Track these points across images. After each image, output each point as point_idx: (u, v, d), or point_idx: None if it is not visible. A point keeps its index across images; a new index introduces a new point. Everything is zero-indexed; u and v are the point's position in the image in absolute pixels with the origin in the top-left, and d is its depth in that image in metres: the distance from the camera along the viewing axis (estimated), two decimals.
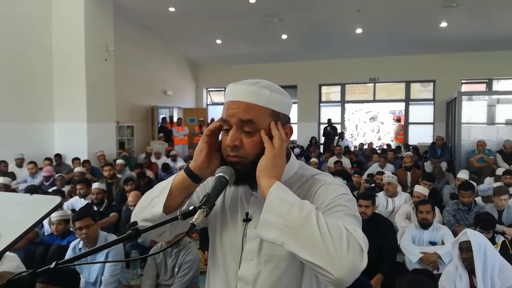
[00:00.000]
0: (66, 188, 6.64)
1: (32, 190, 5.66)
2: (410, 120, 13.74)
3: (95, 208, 5.22)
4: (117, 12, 9.93)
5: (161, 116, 13.30)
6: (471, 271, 2.87)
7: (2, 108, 8.21)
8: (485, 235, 3.63)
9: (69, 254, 3.51)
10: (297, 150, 11.01)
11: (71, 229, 4.37)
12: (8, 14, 8.30)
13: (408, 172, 7.28)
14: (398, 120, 14.08)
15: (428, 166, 8.78)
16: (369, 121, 17.42)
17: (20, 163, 8.10)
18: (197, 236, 5.09)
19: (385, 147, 12.32)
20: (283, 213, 0.93)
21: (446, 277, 2.97)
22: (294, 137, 12.46)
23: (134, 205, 4.29)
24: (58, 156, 8.75)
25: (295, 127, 10.29)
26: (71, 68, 9.05)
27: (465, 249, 2.85)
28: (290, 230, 0.91)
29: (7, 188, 6.04)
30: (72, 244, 3.60)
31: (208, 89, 16.10)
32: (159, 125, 12.84)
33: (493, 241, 3.62)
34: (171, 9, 10.28)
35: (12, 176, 7.26)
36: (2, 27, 8.18)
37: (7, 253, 2.95)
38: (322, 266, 0.88)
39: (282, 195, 0.96)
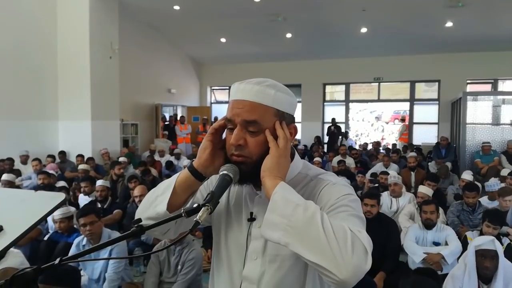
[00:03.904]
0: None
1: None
2: (415, 120, 13.69)
3: (99, 205, 5.24)
4: (122, 10, 9.96)
5: (166, 115, 13.30)
6: (484, 279, 2.84)
7: (8, 106, 8.26)
8: (491, 230, 3.62)
9: (72, 251, 3.54)
10: (301, 147, 11.01)
11: (75, 226, 4.39)
12: (13, 14, 8.34)
13: (412, 172, 7.26)
14: (403, 119, 14.04)
15: (432, 166, 8.75)
16: (375, 120, 17.42)
17: (24, 160, 8.14)
18: (200, 234, 5.09)
19: (389, 147, 12.30)
20: (288, 214, 0.93)
21: (451, 280, 2.94)
22: (298, 136, 12.46)
23: (140, 198, 4.29)
24: (63, 153, 8.78)
25: (299, 126, 10.30)
26: (76, 66, 9.09)
27: (490, 257, 2.80)
28: (295, 230, 0.91)
29: (11, 184, 6.08)
30: (76, 241, 3.63)
31: (212, 88, 16.11)
32: (170, 124, 12.79)
33: (499, 242, 3.59)
34: (176, 7, 10.29)
35: (17, 173, 7.30)
36: (8, 26, 8.22)
37: (11, 249, 2.97)
38: (326, 267, 0.87)
39: (286, 196, 0.96)
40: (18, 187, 6.59)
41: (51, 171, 7.15)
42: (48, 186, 5.98)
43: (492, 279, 2.81)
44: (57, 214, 4.17)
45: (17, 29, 8.39)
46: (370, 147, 12.03)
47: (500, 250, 2.84)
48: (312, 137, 13.22)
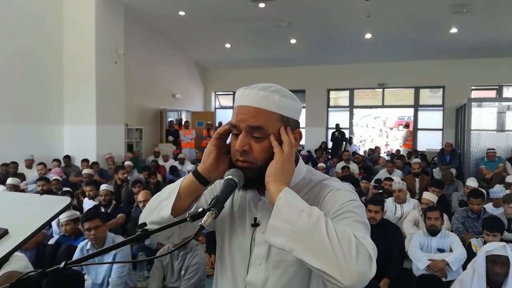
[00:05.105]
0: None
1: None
2: (419, 126, 13.66)
3: (103, 210, 5.25)
4: (128, 15, 10.03)
5: (169, 119, 13.32)
6: (493, 285, 2.82)
7: (13, 110, 8.31)
8: (491, 238, 3.60)
9: (76, 255, 3.54)
10: (304, 153, 11.00)
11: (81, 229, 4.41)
12: (20, 17, 8.40)
13: (416, 179, 7.24)
14: (407, 125, 14.00)
15: (436, 172, 8.72)
16: (382, 124, 17.38)
17: (29, 164, 8.17)
18: (204, 239, 5.08)
19: (394, 152, 12.28)
20: (292, 220, 0.92)
21: (459, 285, 2.92)
22: (302, 142, 12.41)
23: (144, 203, 4.31)
24: (67, 157, 8.81)
25: (303, 132, 10.25)
26: (81, 70, 9.14)
27: (500, 263, 2.80)
28: (299, 236, 0.91)
29: (16, 188, 6.10)
30: (80, 245, 3.63)
31: (217, 93, 16.14)
32: (171, 129, 12.79)
33: None
34: (181, 13, 10.34)
35: (22, 177, 7.32)
36: (14, 30, 8.29)
37: (16, 253, 2.98)
38: (330, 274, 0.87)
39: (291, 201, 0.96)
40: (23, 191, 6.61)
41: (56, 176, 7.17)
42: (47, 192, 5.90)
43: (502, 285, 2.79)
44: (63, 216, 4.17)
45: (23, 34, 8.45)
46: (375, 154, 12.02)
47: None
48: (316, 143, 13.20)
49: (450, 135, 12.19)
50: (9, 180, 6.17)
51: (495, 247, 2.87)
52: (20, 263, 2.99)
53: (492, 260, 2.82)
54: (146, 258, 4.20)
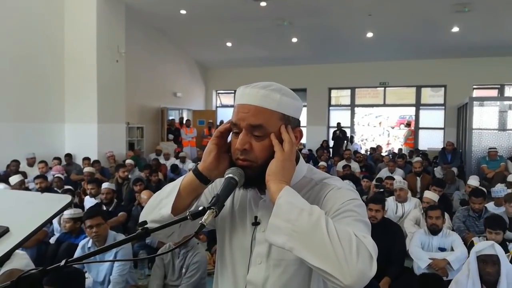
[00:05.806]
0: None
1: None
2: (421, 125, 13.63)
3: (104, 208, 5.26)
4: (129, 14, 10.02)
5: (171, 118, 13.33)
6: (488, 284, 2.82)
7: (14, 108, 8.32)
8: (494, 236, 3.60)
9: (78, 253, 3.54)
10: (305, 151, 11.01)
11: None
12: (21, 17, 8.41)
13: (417, 178, 7.24)
14: (408, 124, 13.98)
15: (438, 171, 8.71)
16: (386, 121, 17.37)
17: (31, 162, 8.18)
18: (205, 238, 5.10)
19: (395, 151, 12.27)
20: (293, 218, 0.92)
21: (455, 285, 2.92)
22: (303, 140, 12.42)
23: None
24: (69, 156, 8.83)
25: (304, 131, 10.20)
26: (82, 69, 9.14)
27: (491, 262, 2.80)
28: (299, 235, 0.91)
29: (22, 184, 6.13)
30: (81, 243, 3.64)
31: (218, 92, 16.14)
32: (172, 127, 12.80)
33: (505, 249, 3.57)
34: (182, 12, 10.33)
35: (24, 175, 7.33)
36: (15, 30, 8.29)
37: (17, 251, 2.98)
38: (331, 273, 0.87)
39: (291, 200, 0.96)
40: (26, 189, 6.62)
41: (57, 174, 7.18)
42: (46, 189, 5.91)
43: (496, 284, 2.79)
44: (67, 213, 4.23)
45: (24, 32, 8.45)
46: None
47: (502, 254, 2.82)
48: (317, 142, 13.18)
49: (452, 134, 12.16)
50: (14, 178, 6.19)
51: (484, 246, 2.87)
52: (21, 261, 3.00)
53: (483, 260, 2.83)
54: (147, 256, 4.21)
